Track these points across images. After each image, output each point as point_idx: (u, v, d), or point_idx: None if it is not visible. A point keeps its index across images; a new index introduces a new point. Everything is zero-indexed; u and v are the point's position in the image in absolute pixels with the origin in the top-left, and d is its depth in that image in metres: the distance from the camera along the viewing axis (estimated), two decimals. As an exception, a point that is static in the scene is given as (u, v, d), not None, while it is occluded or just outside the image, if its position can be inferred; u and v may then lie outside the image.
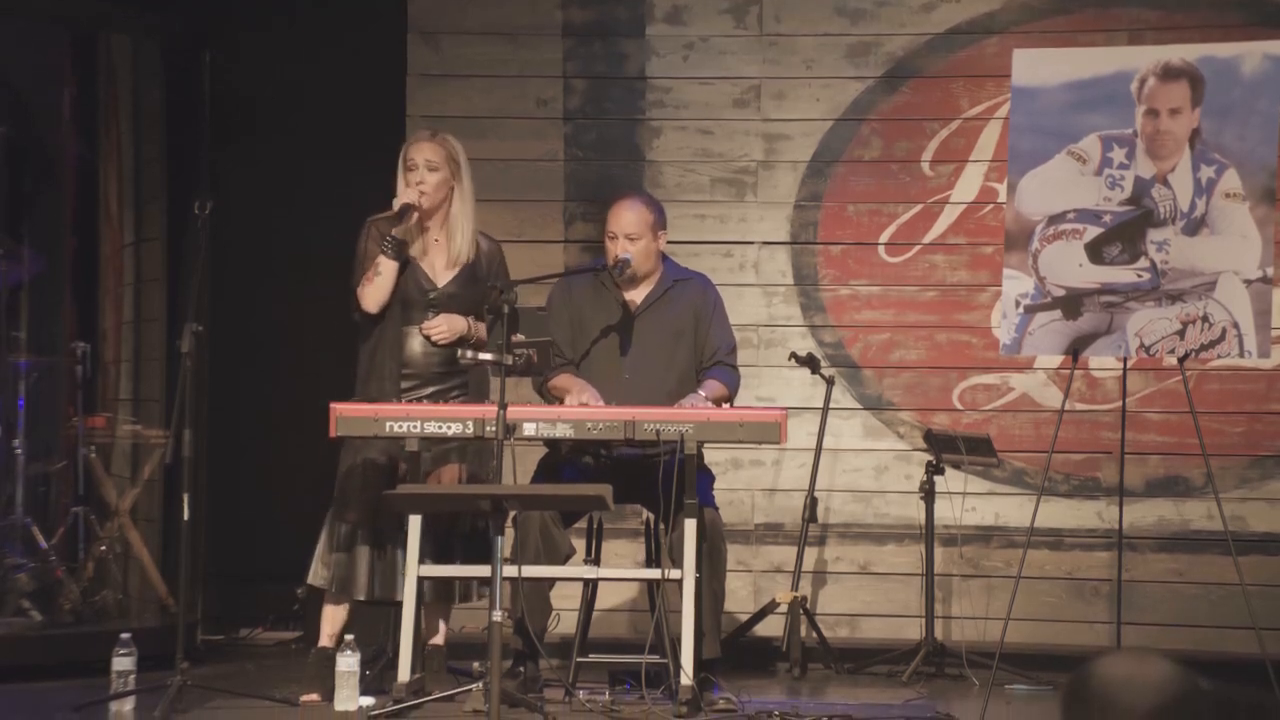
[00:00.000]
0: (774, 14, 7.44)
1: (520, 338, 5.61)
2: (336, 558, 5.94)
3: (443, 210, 6.05)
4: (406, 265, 5.99)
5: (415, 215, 5.98)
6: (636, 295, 6.20)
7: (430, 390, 5.98)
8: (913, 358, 7.37)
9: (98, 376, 7.45)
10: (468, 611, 6.45)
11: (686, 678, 5.54)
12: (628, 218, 6.14)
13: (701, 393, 5.99)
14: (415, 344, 6.02)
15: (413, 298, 6.01)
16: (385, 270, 5.95)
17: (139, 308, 7.58)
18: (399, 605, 5.89)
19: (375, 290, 5.95)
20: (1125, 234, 6.06)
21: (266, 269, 7.76)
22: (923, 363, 7.36)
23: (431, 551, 5.76)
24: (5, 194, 7.46)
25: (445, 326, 5.99)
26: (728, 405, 6.02)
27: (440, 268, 6.05)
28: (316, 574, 6.00)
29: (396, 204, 5.97)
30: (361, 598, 5.94)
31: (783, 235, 7.44)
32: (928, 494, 6.86)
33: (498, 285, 5.79)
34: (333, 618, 6.01)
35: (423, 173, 5.99)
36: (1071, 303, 6.08)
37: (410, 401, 5.90)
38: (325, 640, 5.99)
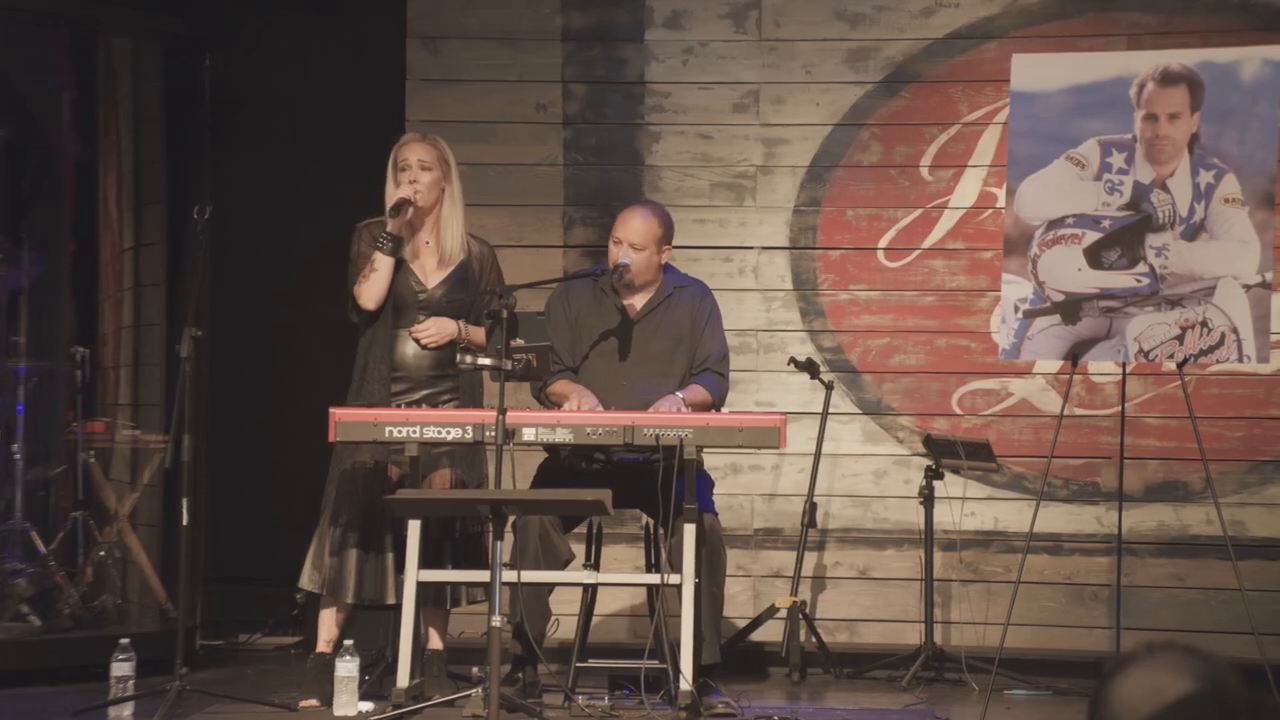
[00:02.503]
0: (773, 19, 7.44)
1: (519, 342, 5.61)
2: (328, 561, 5.95)
3: (434, 212, 6.06)
4: (402, 263, 6.00)
5: (410, 210, 5.98)
6: (636, 302, 6.20)
7: (421, 394, 5.98)
8: (912, 363, 7.37)
9: (97, 381, 7.44)
10: (467, 616, 6.45)
11: (686, 683, 5.54)
12: (635, 226, 6.12)
13: (679, 394, 5.98)
14: (407, 347, 6.02)
15: (404, 300, 6.01)
16: (381, 266, 5.95)
17: (138, 312, 7.58)
18: (390, 608, 5.89)
19: (372, 286, 5.95)
20: (1124, 239, 6.06)
21: (266, 273, 7.77)
22: (922, 368, 7.36)
23: (423, 556, 5.77)
24: (5, 197, 7.46)
25: (434, 330, 6.00)
26: (713, 411, 6.01)
27: (431, 270, 6.06)
28: (308, 578, 6.00)
29: (391, 199, 5.97)
30: (350, 600, 5.94)
31: (782, 240, 7.44)
32: (927, 499, 6.86)
33: (496, 290, 5.80)
34: (329, 623, 6.02)
35: (416, 172, 6.00)
36: (1071, 308, 6.08)
37: (402, 405, 5.90)
38: (323, 646, 5.99)
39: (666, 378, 6.11)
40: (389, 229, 5.96)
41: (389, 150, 6.11)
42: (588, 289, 6.26)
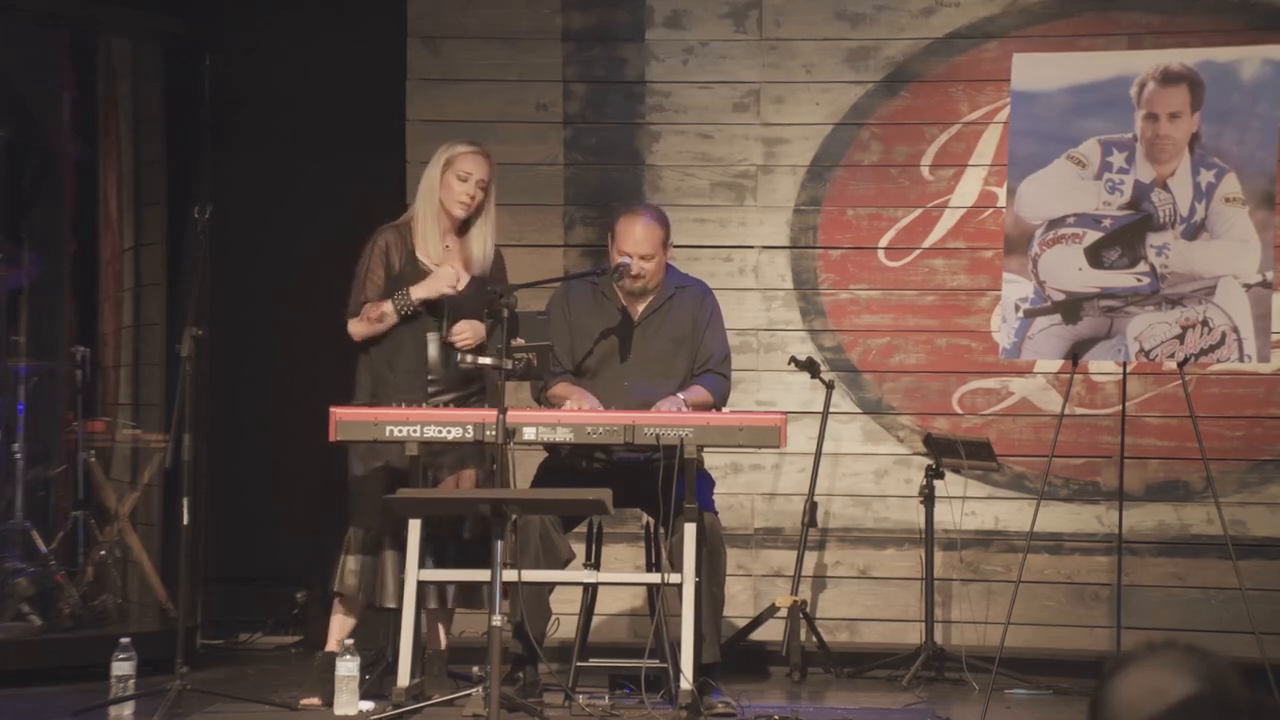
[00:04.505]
0: (774, 18, 7.44)
1: (520, 342, 5.61)
2: (363, 565, 5.92)
3: (470, 225, 6.04)
4: (420, 268, 5.98)
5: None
6: (638, 304, 6.19)
7: (453, 395, 5.97)
8: (912, 362, 7.37)
9: (97, 381, 7.44)
10: (467, 616, 6.45)
11: (686, 682, 5.54)
12: (640, 237, 6.08)
13: (681, 395, 5.98)
14: (434, 350, 6.01)
15: (429, 305, 5.99)
16: (388, 323, 5.93)
17: (139, 312, 7.58)
18: (428, 611, 5.90)
19: (370, 333, 5.94)
20: (1125, 238, 6.06)
21: (266, 273, 7.76)
22: (922, 367, 7.36)
23: (454, 555, 5.77)
24: (5, 197, 7.46)
25: (470, 333, 5.98)
26: (714, 411, 6.01)
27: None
28: (344, 582, 5.96)
29: (442, 286, 5.90)
30: (392, 605, 5.89)
31: (782, 239, 7.44)
32: (927, 498, 6.86)
33: (497, 289, 5.80)
34: (342, 624, 6.00)
35: (474, 188, 5.98)
36: (1071, 307, 6.08)
37: (436, 407, 5.88)
38: (332, 645, 5.97)
39: (667, 379, 6.11)
40: (416, 297, 5.92)
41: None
42: (588, 291, 6.25)
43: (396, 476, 5.92)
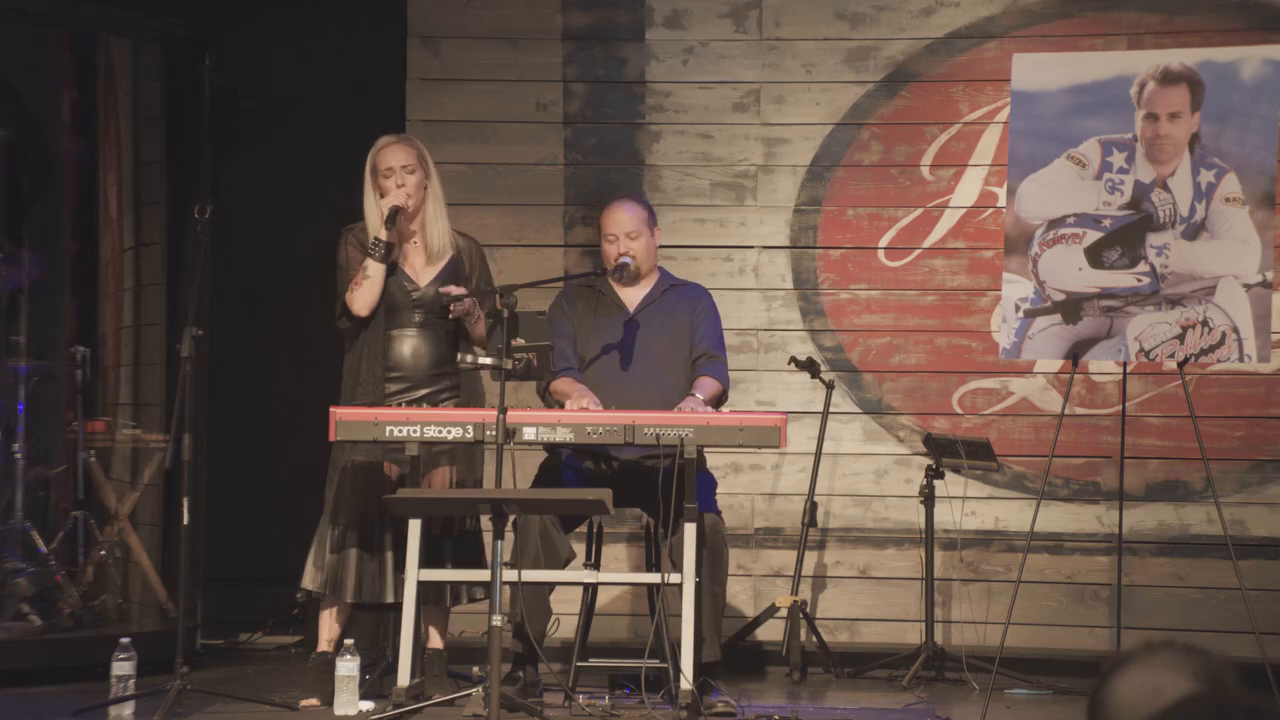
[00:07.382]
0: (774, 18, 7.44)
1: (520, 342, 5.62)
2: (328, 560, 5.95)
3: (418, 212, 6.06)
4: (394, 269, 6.00)
5: (401, 216, 5.99)
6: (634, 297, 6.22)
7: (423, 393, 5.99)
8: (912, 362, 7.37)
9: (97, 381, 7.44)
10: (467, 616, 6.45)
11: (686, 682, 5.54)
12: (624, 218, 6.18)
13: (698, 394, 6.00)
14: (405, 348, 6.03)
15: (397, 301, 6.02)
16: (374, 273, 5.95)
17: (139, 312, 7.58)
18: (389, 608, 5.90)
19: (364, 293, 5.96)
20: (1125, 238, 6.06)
21: (266, 273, 7.77)
22: (922, 367, 7.36)
23: (423, 555, 5.77)
24: (5, 197, 7.46)
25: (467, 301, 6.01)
26: (725, 409, 6.03)
27: (420, 268, 6.08)
28: (310, 577, 6.01)
29: (384, 206, 5.96)
30: (350, 600, 5.94)
31: (782, 239, 7.44)
32: (928, 498, 6.86)
33: (497, 290, 5.80)
34: (329, 622, 6.02)
35: (401, 176, 6.00)
36: (1071, 307, 6.08)
37: (404, 405, 5.91)
38: (323, 645, 5.99)
39: (668, 370, 6.14)
40: (383, 237, 5.95)
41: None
42: (584, 291, 6.29)
43: (367, 475, 5.96)
